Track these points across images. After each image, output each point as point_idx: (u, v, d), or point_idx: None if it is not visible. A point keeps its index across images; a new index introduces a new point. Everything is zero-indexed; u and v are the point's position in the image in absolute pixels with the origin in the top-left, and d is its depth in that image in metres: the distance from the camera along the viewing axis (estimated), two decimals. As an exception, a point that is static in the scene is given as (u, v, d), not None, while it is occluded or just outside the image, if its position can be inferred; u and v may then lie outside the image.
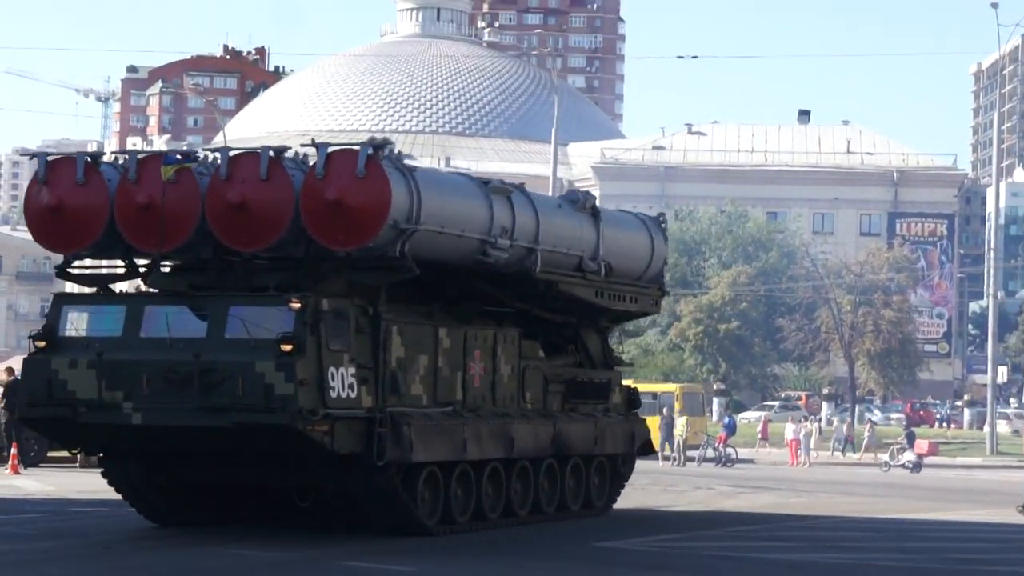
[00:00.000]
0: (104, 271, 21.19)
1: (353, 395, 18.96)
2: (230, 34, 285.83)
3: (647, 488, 32.80)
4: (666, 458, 48.85)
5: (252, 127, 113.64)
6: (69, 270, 20.76)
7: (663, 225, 25.31)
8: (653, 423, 51.44)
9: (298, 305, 18.44)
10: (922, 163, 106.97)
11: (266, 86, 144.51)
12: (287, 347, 18.28)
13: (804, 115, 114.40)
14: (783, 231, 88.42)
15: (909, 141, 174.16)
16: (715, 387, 73.71)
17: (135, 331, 19.18)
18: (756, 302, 78.44)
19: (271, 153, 19.42)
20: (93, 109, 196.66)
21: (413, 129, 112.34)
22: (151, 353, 18.84)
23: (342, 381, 18.82)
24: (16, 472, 30.72)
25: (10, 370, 33.73)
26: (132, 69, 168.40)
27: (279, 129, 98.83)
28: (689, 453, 50.19)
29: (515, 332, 22.16)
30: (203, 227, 19.47)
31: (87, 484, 26.74)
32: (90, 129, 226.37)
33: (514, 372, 21.97)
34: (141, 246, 19.93)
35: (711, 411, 71.64)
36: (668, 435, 49.82)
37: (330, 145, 19.66)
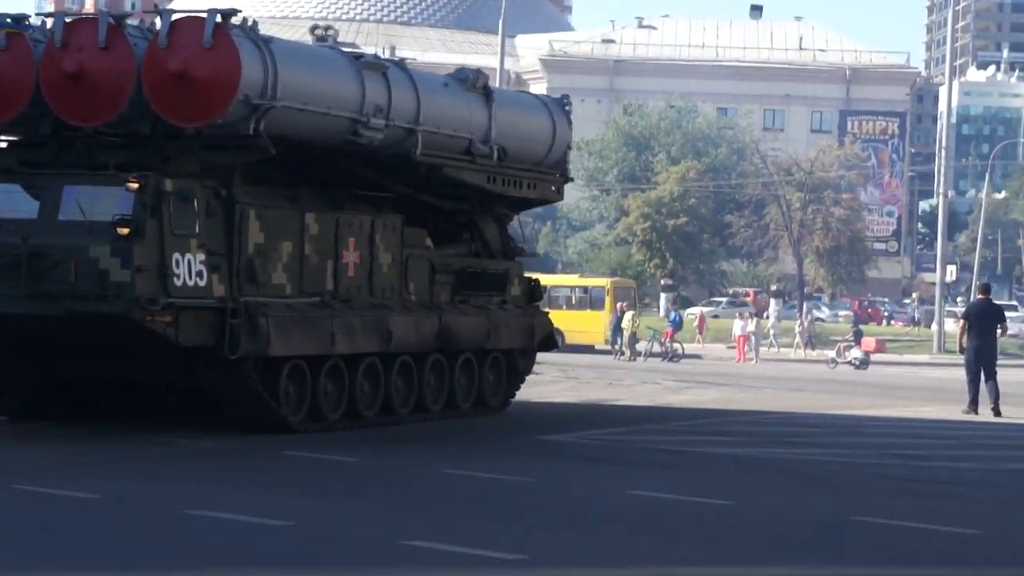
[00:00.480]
0: None
1: (202, 283, 17.83)
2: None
3: (593, 382, 32.98)
4: (617, 352, 49.28)
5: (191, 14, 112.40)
6: None
7: (567, 108, 23.83)
8: (588, 317, 53.54)
9: (136, 185, 17.18)
10: (875, 61, 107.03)
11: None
12: (123, 230, 17.01)
13: (756, 10, 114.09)
14: (733, 127, 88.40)
15: (862, 39, 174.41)
16: (662, 283, 74.01)
17: None
18: (705, 198, 78.52)
19: (111, 19, 18.08)
20: None
21: (357, 18, 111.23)
22: None
23: (188, 268, 17.65)
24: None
25: None
26: None
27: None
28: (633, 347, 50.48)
29: (397, 219, 20.98)
30: (39, 99, 18.12)
31: None
32: (23, 2, 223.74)
33: (395, 261, 20.85)
34: None
35: (658, 306, 72.06)
36: (616, 329, 50.20)
37: (174, 12, 18.44)
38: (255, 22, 18.79)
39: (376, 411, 20.53)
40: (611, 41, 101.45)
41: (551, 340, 25.12)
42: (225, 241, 18.16)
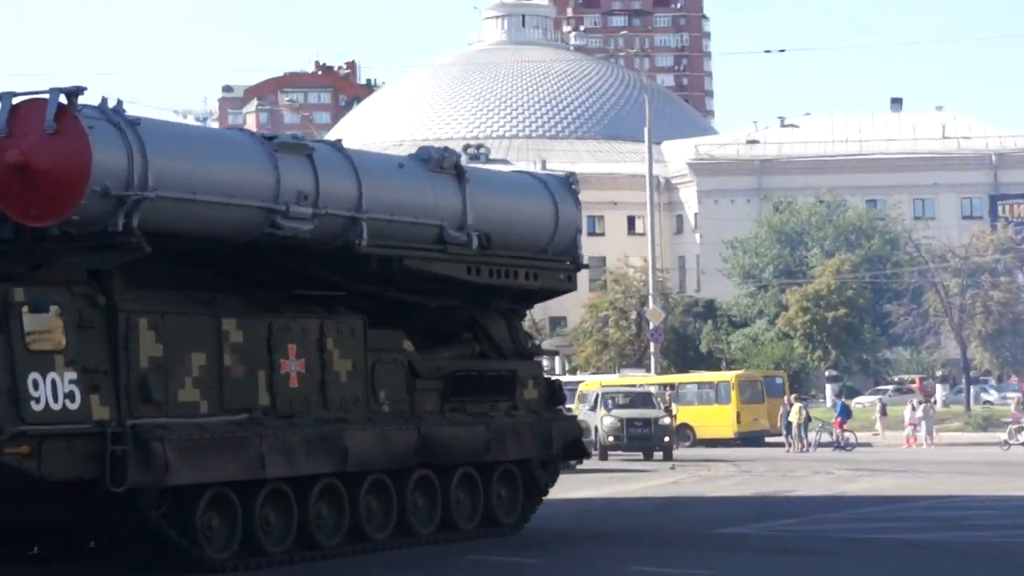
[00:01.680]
0: None
1: (73, 406, 14.95)
2: (320, 50, 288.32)
3: (765, 475, 32.71)
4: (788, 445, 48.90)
5: (348, 140, 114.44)
6: None
7: (574, 188, 20.67)
8: (716, 411, 52.07)
9: None
10: (1020, 144, 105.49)
11: (359, 99, 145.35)
12: None
13: (896, 103, 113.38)
14: (884, 218, 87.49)
15: (1004, 123, 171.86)
16: (827, 374, 73.12)
17: None
18: (862, 289, 77.69)
19: None
20: None
21: (507, 135, 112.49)
22: None
23: (54, 390, 14.80)
24: None
25: None
26: (227, 88, 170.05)
27: (375, 140, 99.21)
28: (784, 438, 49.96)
29: (356, 320, 17.95)
30: None
31: None
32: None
33: (357, 368, 17.81)
34: None
35: (824, 397, 71.20)
36: (787, 422, 49.84)
37: (16, 95, 15.50)
38: (120, 101, 15.81)
39: (340, 539, 17.56)
40: (755, 142, 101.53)
41: (578, 447, 21.67)
42: (108, 356, 15.39)
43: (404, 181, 18.29)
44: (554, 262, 20.28)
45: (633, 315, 76.44)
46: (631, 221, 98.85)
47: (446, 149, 18.90)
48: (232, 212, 16.35)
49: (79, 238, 15.45)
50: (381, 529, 18.01)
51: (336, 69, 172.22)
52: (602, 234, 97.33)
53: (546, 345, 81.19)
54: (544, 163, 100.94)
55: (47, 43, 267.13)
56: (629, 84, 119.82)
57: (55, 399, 14.87)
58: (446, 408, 18.94)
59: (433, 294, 19.03)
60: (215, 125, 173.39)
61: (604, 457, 42.88)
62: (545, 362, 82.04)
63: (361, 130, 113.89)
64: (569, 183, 20.67)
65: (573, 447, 21.31)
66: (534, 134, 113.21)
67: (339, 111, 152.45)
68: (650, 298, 66.46)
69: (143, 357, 15.70)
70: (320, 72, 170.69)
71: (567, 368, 77.56)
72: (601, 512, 25.08)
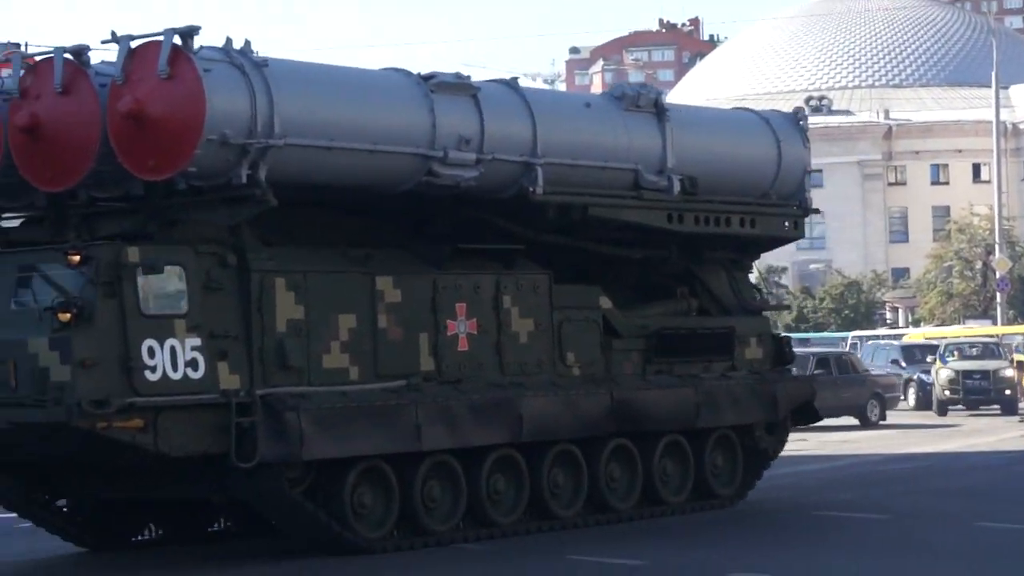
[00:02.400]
0: None
1: (196, 375, 13.80)
2: (664, 8, 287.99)
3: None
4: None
5: (691, 96, 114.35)
6: None
7: (801, 124, 18.62)
8: None
9: (77, 258, 13.47)
10: None
11: (702, 56, 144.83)
12: (64, 316, 13.26)
13: None
14: None
15: None
16: None
17: None
18: None
19: (67, 56, 14.37)
20: None
21: (849, 85, 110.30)
22: None
23: (172, 358, 13.66)
24: None
25: None
26: (574, 50, 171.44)
27: (717, 96, 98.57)
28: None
29: (541, 276, 16.31)
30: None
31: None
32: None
33: (540, 328, 16.20)
34: None
35: None
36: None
37: (133, 38, 14.30)
38: (247, 42, 14.47)
39: (518, 516, 15.93)
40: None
41: (808, 411, 19.24)
42: (240, 320, 14.19)
43: (591, 122, 16.51)
44: (775, 207, 18.20)
45: (978, 265, 74.29)
46: (976, 168, 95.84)
47: (643, 85, 17.20)
48: (379, 160, 14.88)
49: (206, 192, 14.30)
50: (569, 505, 16.25)
51: (679, 26, 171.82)
52: (946, 183, 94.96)
53: (889, 297, 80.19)
54: (887, 112, 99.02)
55: (388, 19, 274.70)
56: (976, 28, 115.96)
57: (174, 368, 13.70)
58: (649, 370, 17.08)
59: (634, 245, 17.35)
60: (563, 86, 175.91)
61: (942, 412, 40.62)
62: (887, 314, 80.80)
63: (703, 86, 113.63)
64: (796, 120, 18.70)
65: (804, 410, 18.98)
66: (877, 83, 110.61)
67: (682, 68, 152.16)
68: (996, 247, 64.54)
69: (280, 320, 14.39)
70: (664, 30, 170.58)
71: (910, 320, 75.92)
72: (946, 468, 24.05)
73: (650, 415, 16.81)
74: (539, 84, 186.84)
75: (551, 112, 16.20)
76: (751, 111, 19.04)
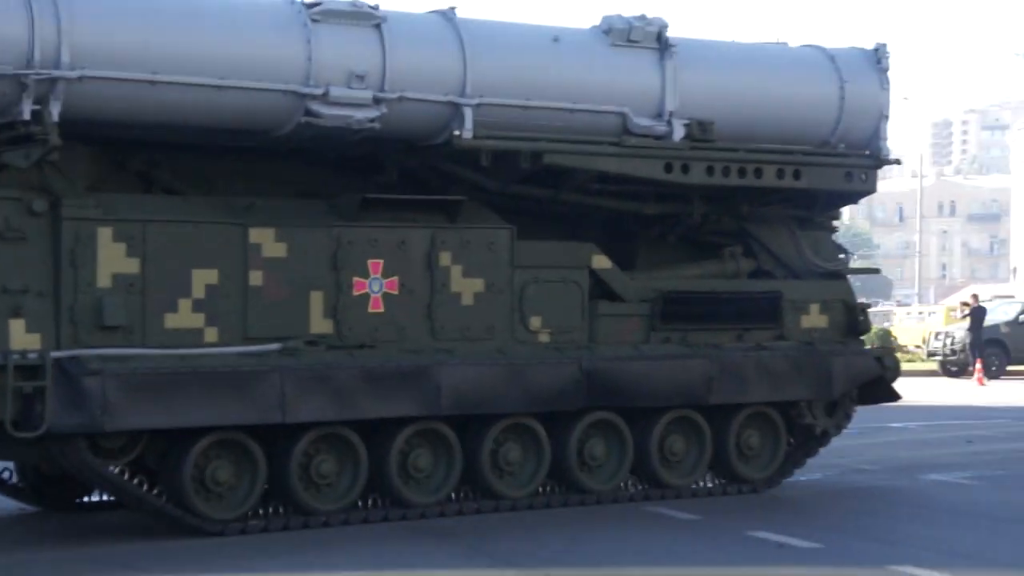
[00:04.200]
0: None
1: None
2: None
3: None
4: None
5: None
6: None
7: (881, 64, 15.82)
8: None
9: None
10: None
11: None
12: None
13: None
14: None
15: None
16: None
17: None
18: None
19: None
20: None
21: None
22: None
23: None
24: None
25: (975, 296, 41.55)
26: None
27: None
28: None
29: (497, 231, 13.99)
30: None
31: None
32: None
33: (494, 290, 13.88)
34: None
35: None
36: None
37: None
38: None
39: (445, 493, 13.47)
40: None
41: (881, 389, 16.23)
42: (49, 274, 12.17)
43: (557, 58, 14.02)
44: (831, 156, 15.42)
45: None
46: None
47: (642, 17, 14.58)
48: (231, 97, 12.59)
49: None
50: (526, 484, 13.84)
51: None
52: None
53: None
54: None
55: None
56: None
57: None
58: (655, 338, 14.63)
59: (647, 199, 14.93)
60: None
61: None
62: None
63: None
64: (876, 59, 15.80)
65: (875, 389, 16.04)
66: None
67: None
68: None
69: (102, 275, 12.32)
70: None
71: None
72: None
73: (640, 389, 14.26)
74: None
75: (495, 47, 13.77)
76: (816, 47, 16.15)
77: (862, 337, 16.05)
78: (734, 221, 15.48)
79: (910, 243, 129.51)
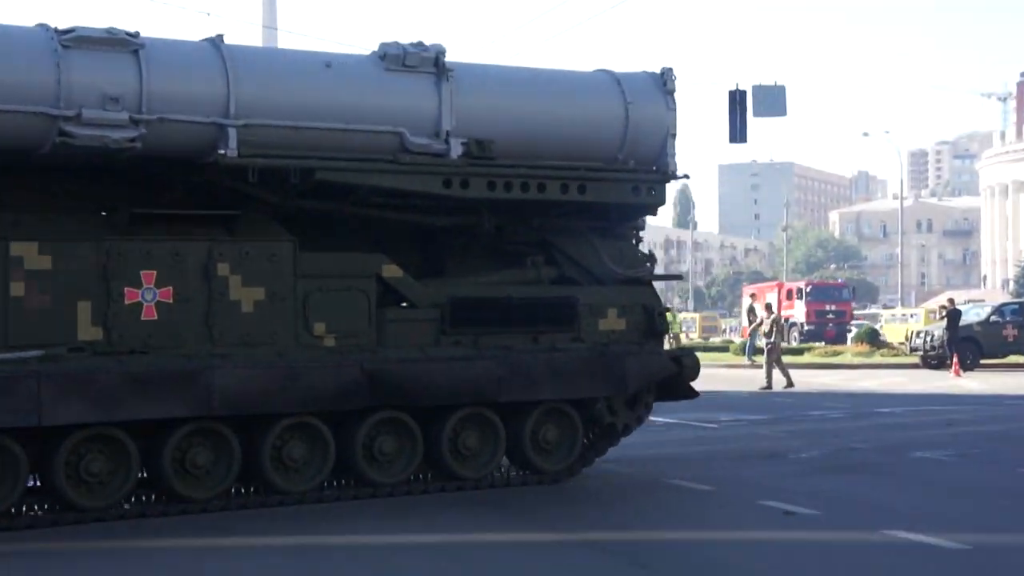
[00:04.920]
0: None
1: None
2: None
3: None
4: None
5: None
6: None
7: (666, 86, 14.57)
8: None
9: None
10: None
11: None
12: None
13: None
14: None
15: None
16: None
17: None
18: None
19: None
20: (993, 107, 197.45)
21: None
22: None
23: None
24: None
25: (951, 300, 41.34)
26: None
27: None
28: None
29: (279, 244, 12.99)
30: None
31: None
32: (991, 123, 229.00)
33: (276, 298, 12.86)
34: None
35: None
36: None
37: None
38: None
39: (224, 488, 12.38)
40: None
41: (678, 386, 15.00)
42: None
43: (328, 82, 13.05)
44: (617, 172, 14.17)
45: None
46: None
47: (419, 44, 13.69)
48: None
49: None
50: (312, 478, 12.80)
51: None
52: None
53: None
54: None
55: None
56: None
57: None
58: (444, 341, 13.60)
59: (430, 212, 13.88)
60: (1013, 103, 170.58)
61: None
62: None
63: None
64: (663, 81, 14.63)
65: (672, 386, 14.92)
66: None
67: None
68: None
69: None
70: None
71: None
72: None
73: (425, 388, 13.13)
74: (993, 101, 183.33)
75: (262, 71, 12.83)
76: (604, 71, 14.88)
77: (663, 337, 14.88)
78: (534, 232, 14.47)
79: (893, 255, 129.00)
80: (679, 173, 14.54)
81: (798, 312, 58.08)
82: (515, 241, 14.51)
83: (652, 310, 14.76)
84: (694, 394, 15.21)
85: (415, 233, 14.11)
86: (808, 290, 59.13)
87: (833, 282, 65.06)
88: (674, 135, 14.57)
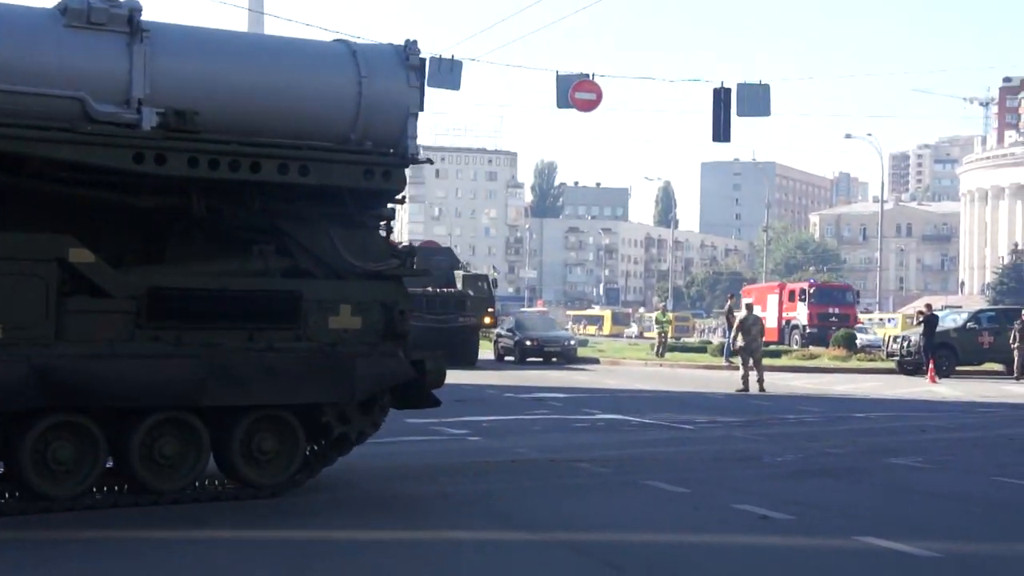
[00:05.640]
0: None
1: None
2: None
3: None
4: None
5: None
6: None
7: (410, 61, 12.76)
8: None
9: None
10: None
11: None
12: None
13: None
14: None
15: None
16: None
17: None
18: None
19: None
20: (975, 112, 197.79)
21: None
22: None
23: None
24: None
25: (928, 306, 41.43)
26: (1007, 79, 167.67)
27: None
28: None
29: None
30: None
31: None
32: (973, 128, 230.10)
33: None
34: None
35: None
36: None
37: None
38: None
39: None
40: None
41: (418, 394, 13.16)
42: None
43: None
44: (350, 154, 12.47)
45: None
46: None
47: (114, 2, 11.67)
48: None
49: None
50: None
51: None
52: None
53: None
54: None
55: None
56: None
57: None
58: (141, 336, 11.70)
59: (130, 191, 11.84)
60: (995, 108, 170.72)
61: None
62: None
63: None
64: (405, 55, 12.84)
65: (412, 394, 13.15)
66: None
67: None
68: None
69: None
70: None
71: None
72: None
73: (108, 389, 11.40)
74: (975, 106, 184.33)
75: None
76: (341, 41, 13.11)
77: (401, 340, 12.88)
78: (262, 218, 12.55)
79: (872, 259, 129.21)
80: (421, 157, 12.95)
81: (800, 315, 56.16)
82: (243, 227, 12.60)
83: (392, 308, 12.90)
84: (436, 403, 13.41)
85: (123, 216, 12.13)
86: (811, 292, 56.85)
87: (837, 284, 63.54)
88: (415, 115, 12.86)
